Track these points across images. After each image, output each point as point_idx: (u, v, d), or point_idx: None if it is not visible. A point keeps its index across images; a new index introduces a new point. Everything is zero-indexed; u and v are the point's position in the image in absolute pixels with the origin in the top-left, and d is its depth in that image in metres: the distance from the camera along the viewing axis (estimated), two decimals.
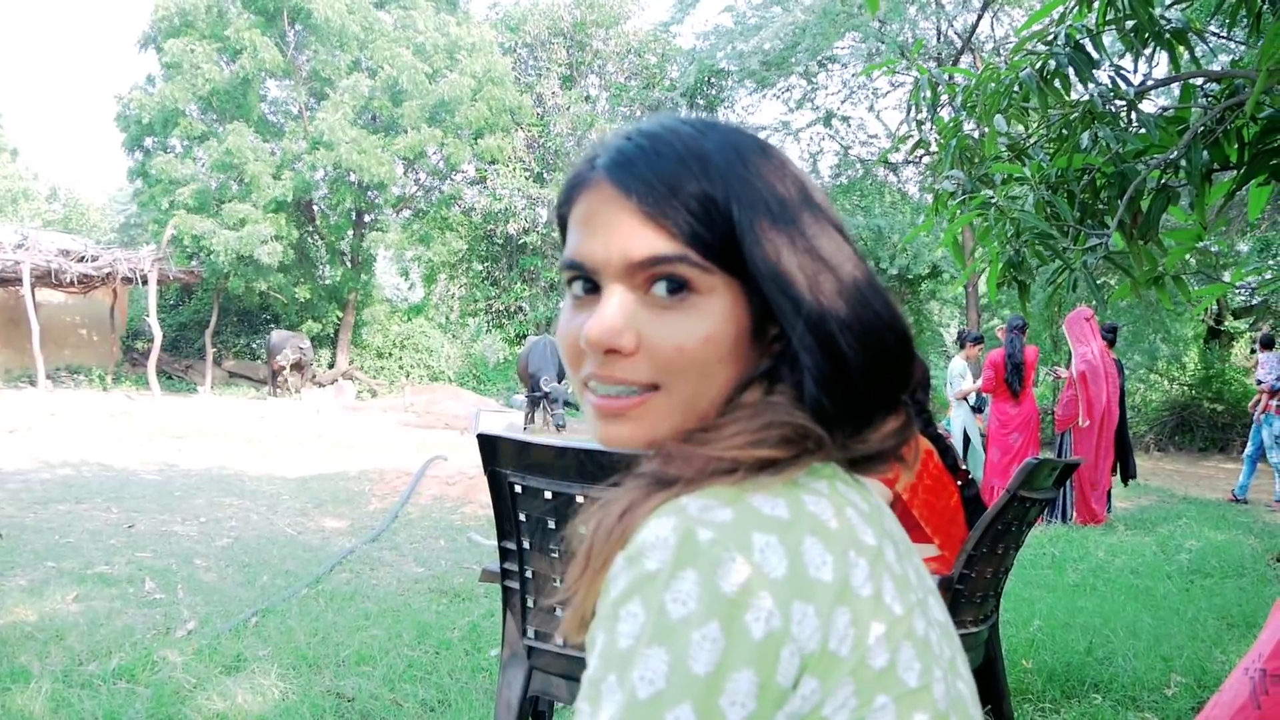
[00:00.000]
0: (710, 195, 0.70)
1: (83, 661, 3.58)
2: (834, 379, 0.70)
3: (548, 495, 2.25)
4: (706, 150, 0.72)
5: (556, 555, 2.30)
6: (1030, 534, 7.20)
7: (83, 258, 18.91)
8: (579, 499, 2.20)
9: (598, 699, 0.61)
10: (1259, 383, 10.52)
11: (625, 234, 0.70)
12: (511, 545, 2.39)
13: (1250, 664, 1.32)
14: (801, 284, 0.70)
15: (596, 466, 2.18)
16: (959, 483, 3.19)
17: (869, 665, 0.64)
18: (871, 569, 0.66)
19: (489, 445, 2.30)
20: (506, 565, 2.42)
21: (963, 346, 10.18)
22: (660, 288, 0.70)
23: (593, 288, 0.73)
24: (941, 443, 3.23)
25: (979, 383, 9.58)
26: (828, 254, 0.72)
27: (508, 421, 14.76)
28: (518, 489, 2.31)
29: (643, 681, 0.59)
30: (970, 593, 2.90)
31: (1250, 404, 10.77)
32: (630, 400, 0.72)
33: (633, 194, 0.71)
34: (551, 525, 2.28)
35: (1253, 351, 19.84)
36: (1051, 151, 3.32)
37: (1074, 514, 8.36)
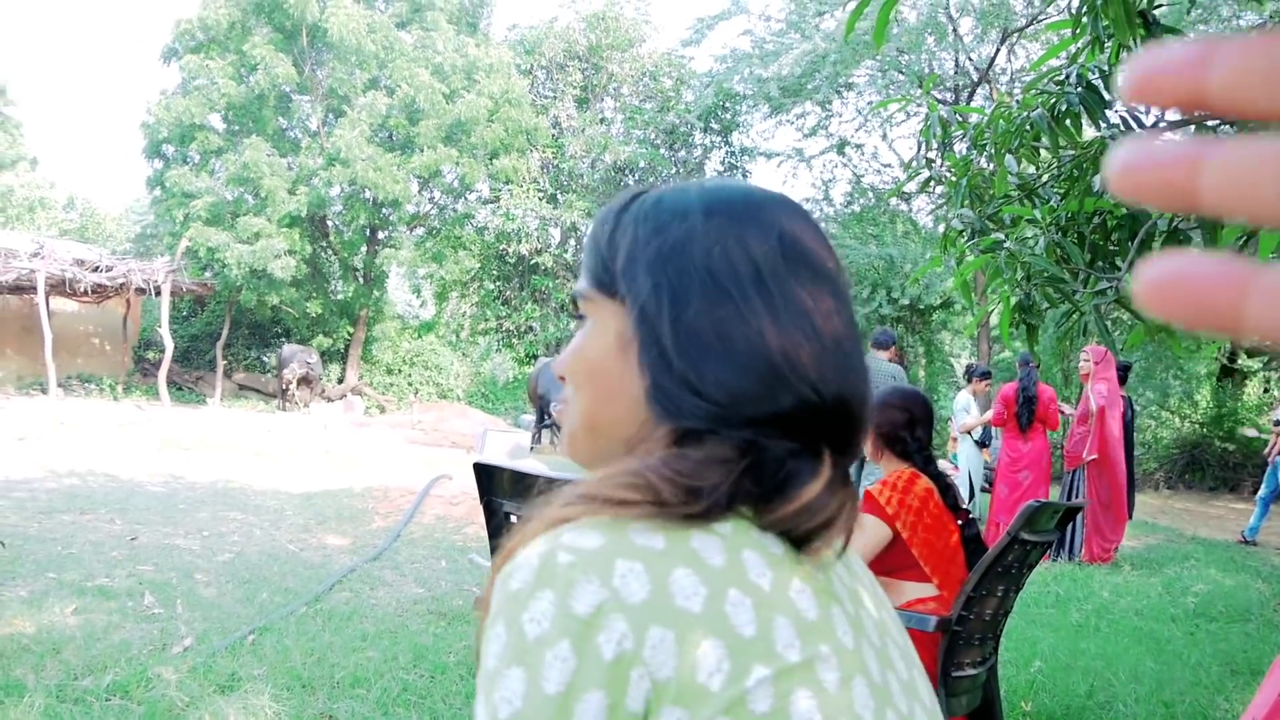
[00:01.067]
0: (605, 240, 0.80)
1: (78, 676, 3.57)
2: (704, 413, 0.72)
3: None
4: (615, 214, 0.81)
5: None
6: (1035, 572, 7.16)
7: (97, 267, 19.01)
8: None
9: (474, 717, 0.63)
10: (1277, 424, 10.44)
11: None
12: None
13: (1252, 717, 1.30)
14: (656, 315, 0.74)
15: None
16: (959, 522, 3.17)
17: (749, 708, 0.62)
18: (759, 612, 0.65)
19: (485, 474, 2.29)
20: None
21: (969, 380, 10.15)
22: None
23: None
24: (942, 481, 3.20)
25: (986, 415, 9.53)
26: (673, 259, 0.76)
27: (515, 441, 14.74)
28: (513, 518, 2.30)
29: (503, 702, 0.61)
30: (969, 634, 2.87)
31: (1269, 447, 10.70)
32: (561, 411, 0.84)
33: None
34: None
35: (1266, 391, 19.74)
36: (1062, 192, 3.31)
37: (1082, 551, 8.29)
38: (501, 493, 2.31)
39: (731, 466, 0.70)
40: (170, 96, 21.73)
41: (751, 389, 0.72)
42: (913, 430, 3.19)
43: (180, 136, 21.24)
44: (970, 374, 10.29)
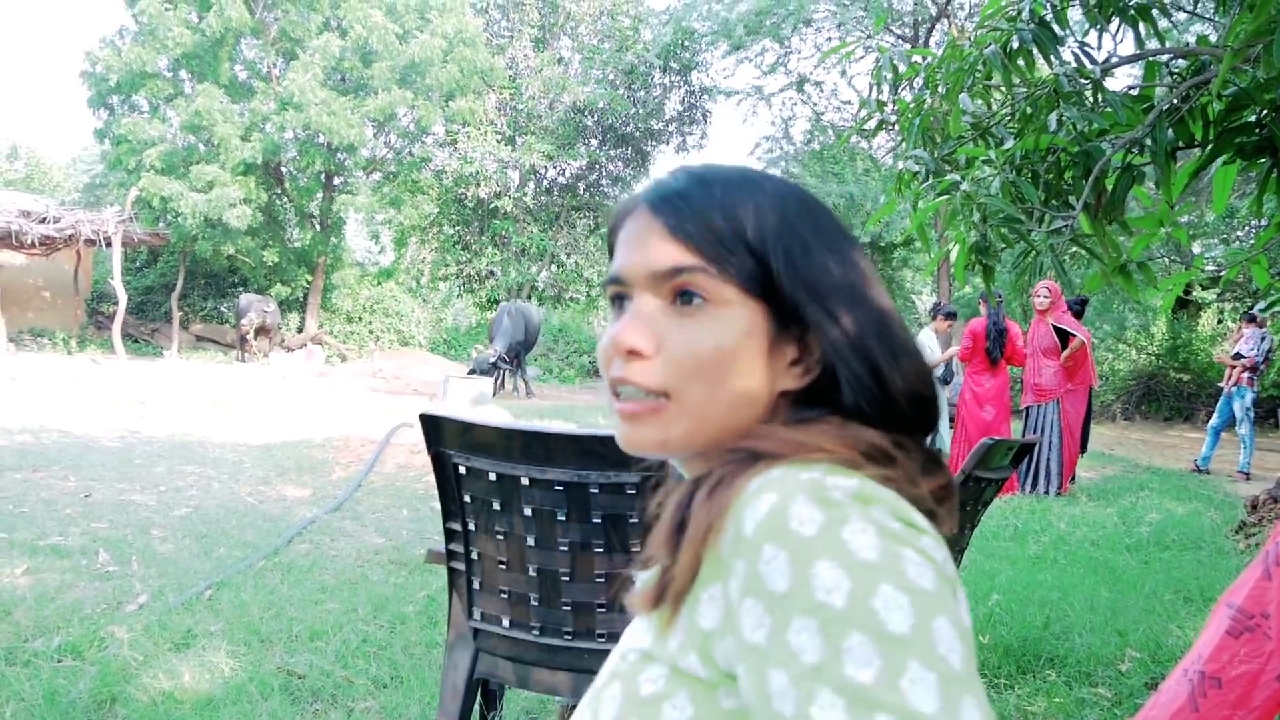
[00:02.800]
0: (737, 217, 0.79)
1: (28, 638, 3.51)
2: (883, 407, 0.78)
3: (492, 476, 2.20)
4: (736, 184, 0.82)
5: (502, 537, 2.26)
6: (994, 506, 7.26)
7: (44, 219, 18.55)
8: (524, 480, 2.16)
9: (839, 670, 0.59)
10: (1238, 356, 10.59)
11: (653, 248, 0.80)
12: (456, 526, 2.34)
13: (1189, 666, 1.30)
14: (846, 315, 0.79)
15: (542, 448, 2.13)
16: None
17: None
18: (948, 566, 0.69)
19: (432, 425, 2.24)
20: (452, 546, 2.38)
21: (934, 319, 10.18)
22: (681, 298, 0.79)
23: (624, 300, 0.83)
24: None
25: (951, 351, 9.59)
26: (862, 287, 0.81)
27: (478, 389, 14.67)
28: (462, 470, 2.26)
29: (890, 610, 0.60)
30: None
31: (1224, 377, 10.88)
32: (644, 404, 0.79)
33: (662, 216, 0.81)
34: (496, 507, 2.23)
35: (1220, 322, 20.05)
36: (1016, 131, 3.27)
37: (1060, 484, 8.42)
38: (449, 444, 2.26)
39: (895, 442, 0.76)
40: (117, 42, 21.09)
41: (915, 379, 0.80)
42: None
43: (130, 83, 20.64)
44: (935, 312, 10.32)
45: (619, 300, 0.84)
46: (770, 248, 0.79)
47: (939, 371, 10.08)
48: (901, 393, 0.79)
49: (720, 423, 0.79)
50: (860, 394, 0.78)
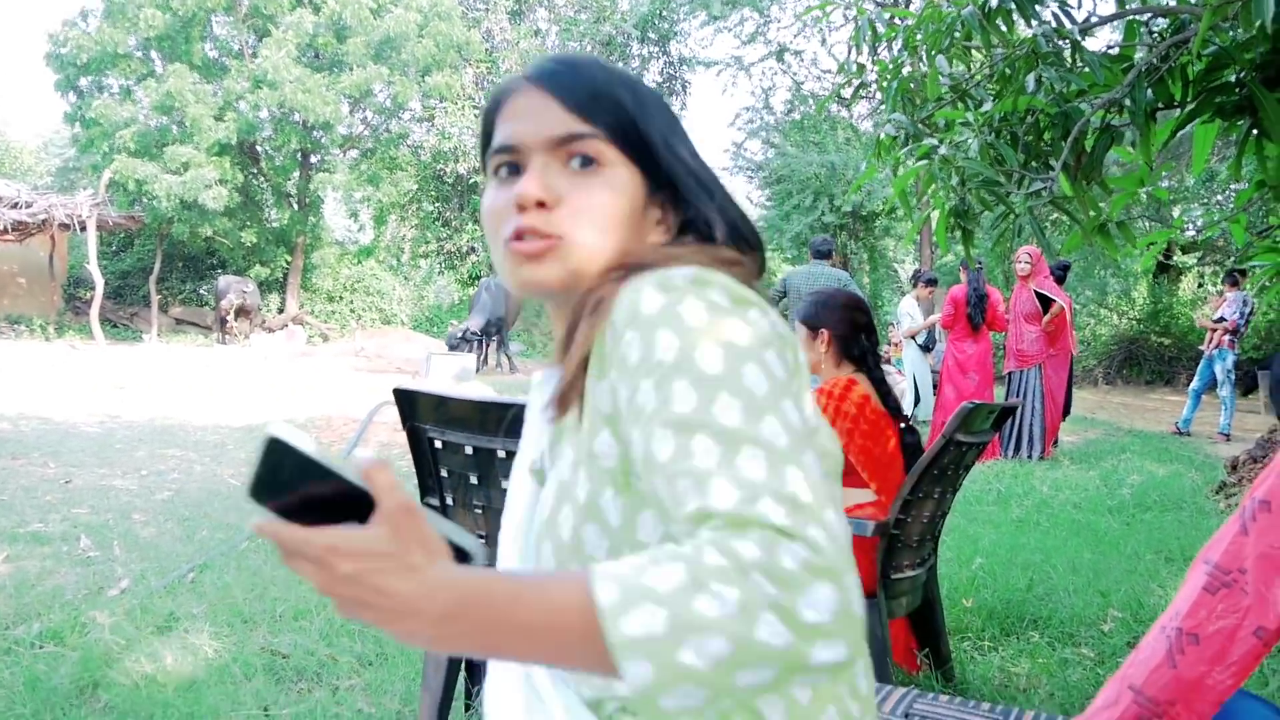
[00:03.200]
0: (619, 98, 0.94)
1: (9, 625, 3.48)
2: (729, 235, 0.96)
3: (468, 450, 2.18)
4: (614, 70, 0.98)
5: (480, 510, 2.24)
6: (977, 470, 7.28)
7: (16, 204, 18.31)
8: (501, 453, 2.14)
9: (702, 392, 0.74)
10: (1220, 319, 10.63)
11: (549, 118, 0.93)
12: (434, 501, 2.32)
13: (1167, 623, 1.30)
14: (706, 178, 0.98)
15: (516, 421, 2.11)
16: (901, 426, 3.17)
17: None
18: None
19: (407, 400, 2.22)
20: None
21: (915, 286, 10.18)
22: (575, 161, 0.92)
23: (514, 170, 0.94)
24: (883, 386, 3.19)
25: (933, 318, 9.59)
26: (700, 158, 1.00)
27: (461, 364, 14.62)
28: (437, 444, 2.24)
29: (714, 356, 0.76)
30: (907, 537, 2.88)
31: (1205, 340, 10.91)
32: (546, 243, 0.90)
33: (555, 91, 0.93)
34: (474, 480, 2.22)
35: (1200, 286, 20.15)
36: (995, 92, 3.25)
37: (1043, 449, 8.45)
38: (424, 418, 2.24)
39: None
40: (81, 23, 20.76)
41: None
42: (869, 334, 3.18)
43: (99, 64, 20.35)
44: (916, 279, 10.32)
45: (508, 169, 0.94)
46: (650, 126, 0.95)
47: (922, 339, 10.10)
48: (740, 225, 0.98)
49: (605, 263, 0.92)
50: (716, 229, 0.95)
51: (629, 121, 0.94)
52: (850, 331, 3.16)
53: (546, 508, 0.94)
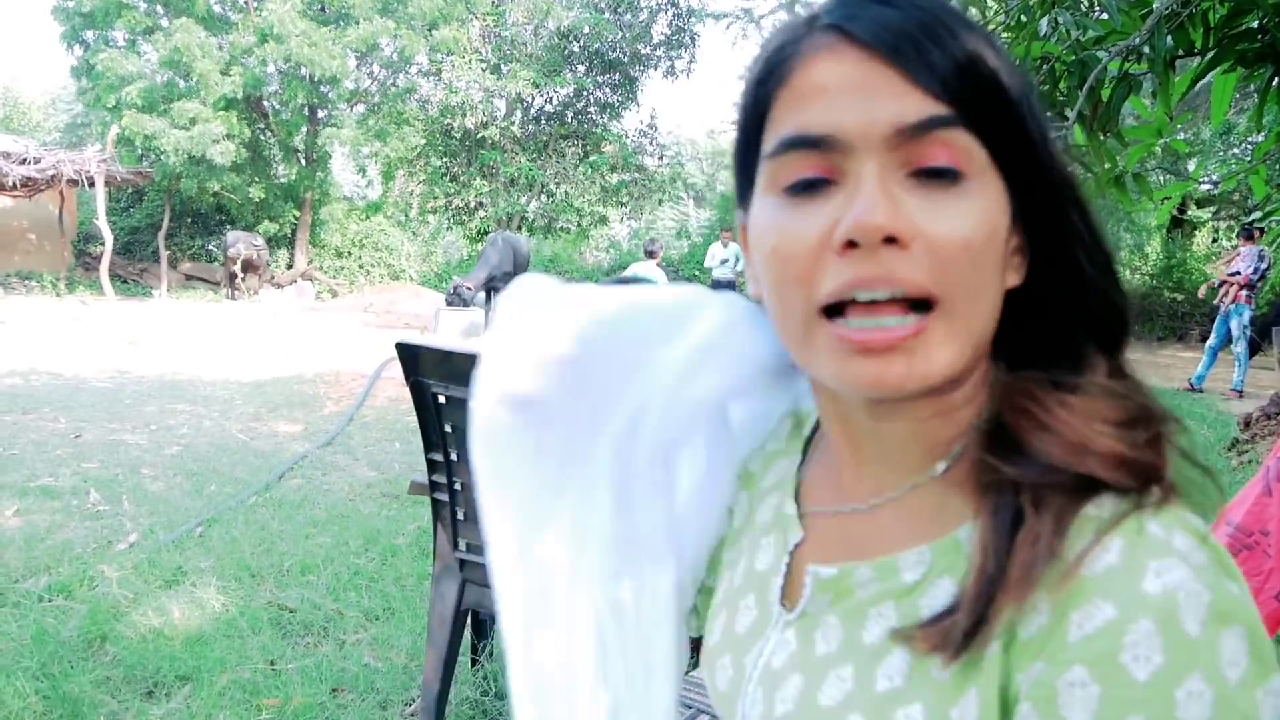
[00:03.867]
0: (979, 53, 0.58)
1: (18, 579, 3.50)
2: (1104, 323, 0.63)
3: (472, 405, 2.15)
4: (959, 18, 0.59)
5: None
6: None
7: (24, 159, 18.23)
8: None
9: None
10: (1235, 274, 10.51)
11: (889, 96, 0.57)
12: (439, 457, 2.30)
13: (1271, 462, 1.27)
14: (1077, 201, 0.62)
15: None
16: None
17: None
18: None
19: (410, 354, 2.19)
20: (435, 478, 2.34)
21: None
22: (924, 174, 0.57)
23: (815, 185, 0.59)
24: None
25: None
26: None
27: (470, 319, 14.58)
28: (441, 399, 2.22)
29: None
30: None
31: (1220, 296, 10.78)
32: (909, 327, 0.57)
33: (888, 49, 0.57)
34: None
35: (1215, 241, 19.96)
36: (1010, 40, 3.17)
37: None
38: (428, 373, 2.22)
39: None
40: None
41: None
42: None
43: (104, 17, 20.15)
44: None
45: (804, 183, 0.59)
46: (1024, 107, 0.59)
47: None
48: (1120, 304, 0.64)
49: (977, 341, 0.60)
50: (1091, 305, 0.63)
51: (1004, 102, 0.59)
52: None
53: None
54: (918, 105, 0.56)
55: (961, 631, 0.56)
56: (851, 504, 0.69)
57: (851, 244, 0.56)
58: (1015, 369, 0.63)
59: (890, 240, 0.56)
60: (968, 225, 0.57)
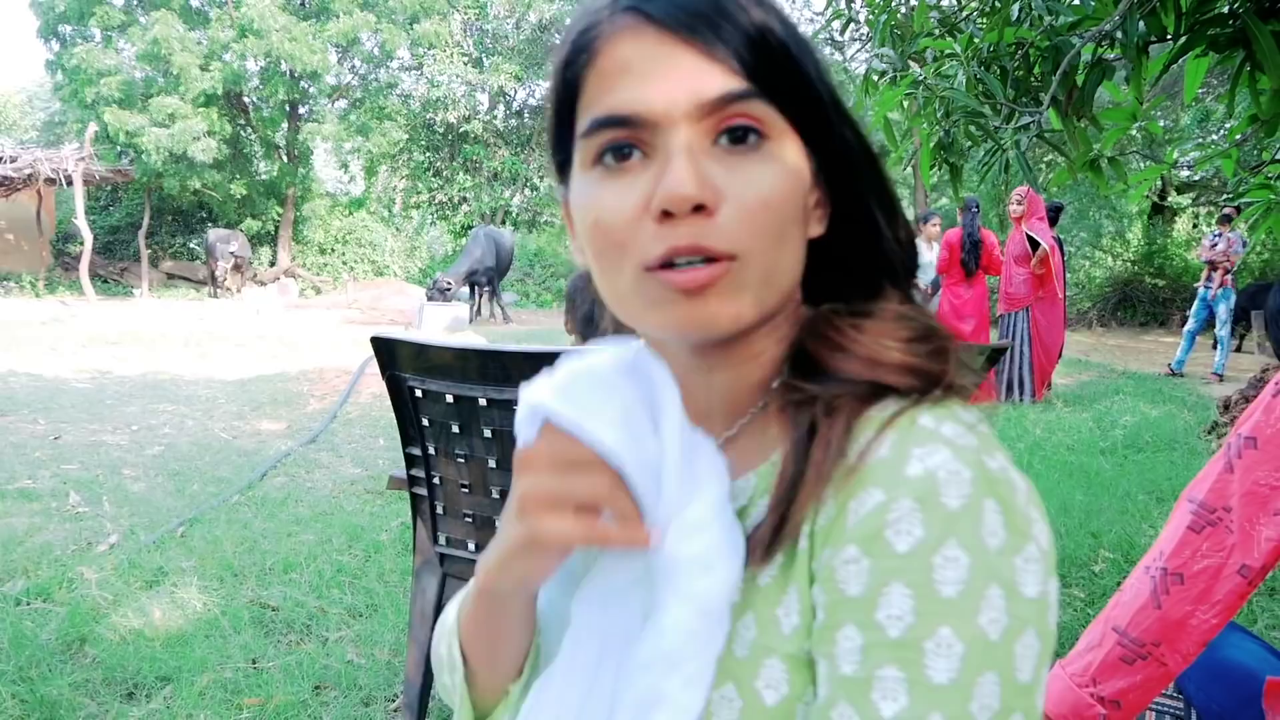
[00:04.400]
0: (768, 25, 0.64)
1: None
2: (897, 261, 0.72)
3: (449, 399, 2.14)
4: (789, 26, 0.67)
5: (463, 460, 2.21)
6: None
7: (0, 158, 18.09)
8: (482, 401, 2.10)
9: (921, 657, 0.56)
10: (1221, 253, 10.55)
11: (688, 73, 0.62)
12: (417, 451, 2.29)
13: (1151, 563, 1.28)
14: (870, 151, 0.70)
15: (499, 368, 2.07)
16: None
17: None
18: None
19: (385, 348, 2.18)
20: (413, 472, 2.33)
21: (924, 224, 9.99)
22: (725, 137, 0.63)
23: (627, 153, 0.64)
24: None
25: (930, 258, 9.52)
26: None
27: (453, 314, 14.57)
28: (418, 393, 2.21)
29: (991, 623, 0.56)
30: None
31: (1204, 279, 10.82)
32: (714, 269, 0.63)
33: (692, 30, 0.62)
34: (455, 429, 2.18)
35: (1195, 226, 20.06)
36: (985, 26, 3.17)
37: (1034, 393, 8.44)
38: (404, 367, 2.21)
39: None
40: None
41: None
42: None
43: (79, 11, 19.99)
44: (925, 219, 10.12)
45: (616, 152, 0.64)
46: (813, 74, 0.66)
47: (925, 281, 9.98)
48: (906, 244, 0.73)
49: (783, 283, 0.67)
50: (884, 248, 0.71)
51: (795, 70, 0.65)
52: None
53: (753, 678, 0.67)
54: (716, 80, 0.62)
55: (768, 533, 0.64)
56: None
57: (667, 213, 0.62)
58: (820, 305, 0.72)
59: (699, 207, 0.61)
60: (767, 185, 0.63)
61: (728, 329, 0.65)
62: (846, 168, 0.69)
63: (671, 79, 0.62)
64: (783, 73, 0.64)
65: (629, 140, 0.64)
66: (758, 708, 0.63)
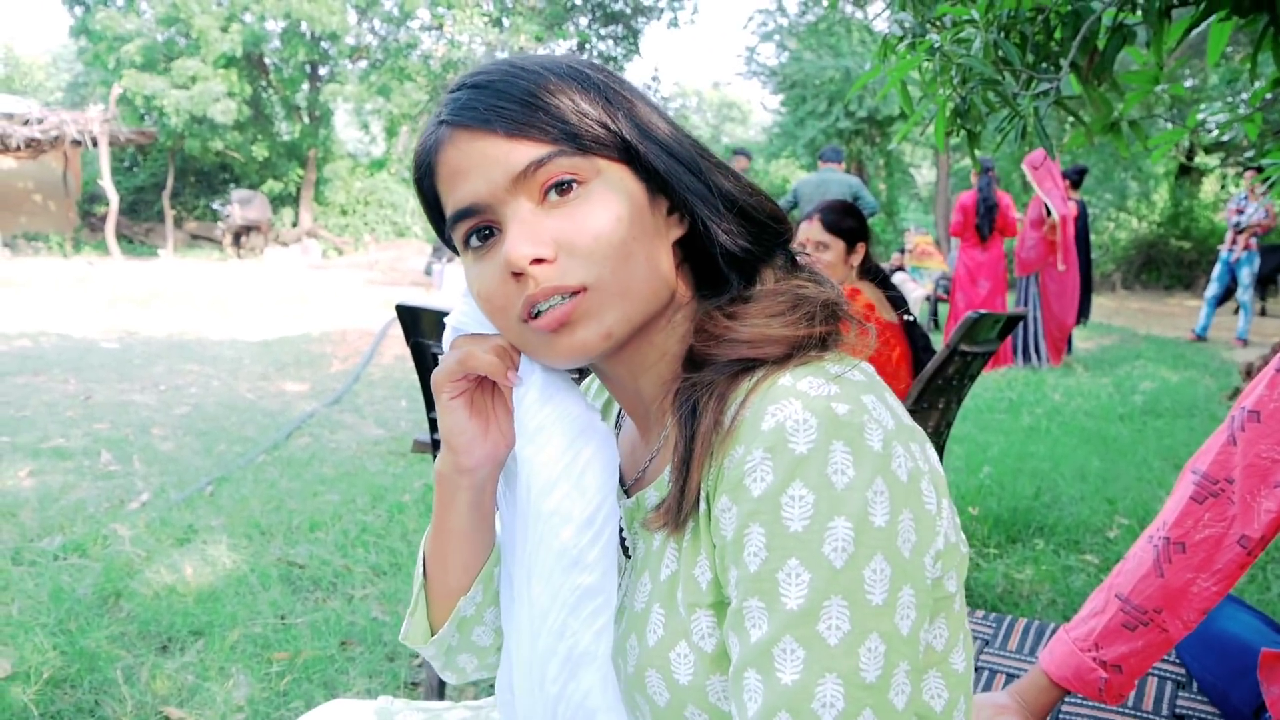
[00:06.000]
0: (560, 93, 0.77)
1: (33, 538, 3.57)
2: (756, 237, 0.82)
3: None
4: (537, 64, 0.79)
5: None
6: (990, 378, 7.28)
7: (27, 120, 18.18)
8: None
9: (776, 588, 0.66)
10: (1248, 223, 10.40)
11: (498, 157, 0.76)
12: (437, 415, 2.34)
13: (1154, 532, 1.31)
14: (695, 163, 0.81)
15: None
16: (906, 321, 3.17)
17: (946, 487, 0.76)
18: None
19: (410, 316, 2.23)
20: (436, 436, 2.38)
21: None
22: (552, 192, 0.76)
23: (489, 233, 0.78)
24: (885, 284, 3.19)
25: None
26: (681, 132, 0.83)
27: None
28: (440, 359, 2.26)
29: (835, 552, 0.65)
30: None
31: (1228, 243, 10.66)
32: (570, 304, 0.75)
33: (487, 123, 0.76)
34: None
35: (1223, 188, 19.79)
36: None
37: (1049, 359, 8.41)
38: (427, 334, 2.25)
39: (804, 275, 0.83)
40: None
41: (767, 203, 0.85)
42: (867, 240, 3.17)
43: None
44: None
45: (479, 235, 0.79)
46: (612, 111, 0.79)
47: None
48: (765, 214, 0.83)
49: (645, 292, 0.78)
50: (736, 234, 0.81)
51: (585, 116, 0.77)
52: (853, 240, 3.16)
53: (653, 634, 0.80)
54: (523, 154, 0.75)
55: (673, 503, 0.76)
56: (649, 450, 0.90)
57: (516, 273, 0.75)
58: (712, 296, 0.83)
59: (540, 260, 0.74)
60: (594, 219, 0.75)
61: (603, 347, 0.78)
62: (664, 182, 0.80)
63: (488, 165, 0.76)
64: (577, 125, 0.76)
65: (482, 224, 0.78)
66: (703, 657, 0.75)
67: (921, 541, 0.69)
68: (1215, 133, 3.37)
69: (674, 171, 0.79)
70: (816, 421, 0.67)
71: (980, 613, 1.88)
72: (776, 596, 0.66)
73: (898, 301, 3.20)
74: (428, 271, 15.97)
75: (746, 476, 0.68)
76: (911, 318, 3.20)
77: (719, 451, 0.72)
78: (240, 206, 19.84)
